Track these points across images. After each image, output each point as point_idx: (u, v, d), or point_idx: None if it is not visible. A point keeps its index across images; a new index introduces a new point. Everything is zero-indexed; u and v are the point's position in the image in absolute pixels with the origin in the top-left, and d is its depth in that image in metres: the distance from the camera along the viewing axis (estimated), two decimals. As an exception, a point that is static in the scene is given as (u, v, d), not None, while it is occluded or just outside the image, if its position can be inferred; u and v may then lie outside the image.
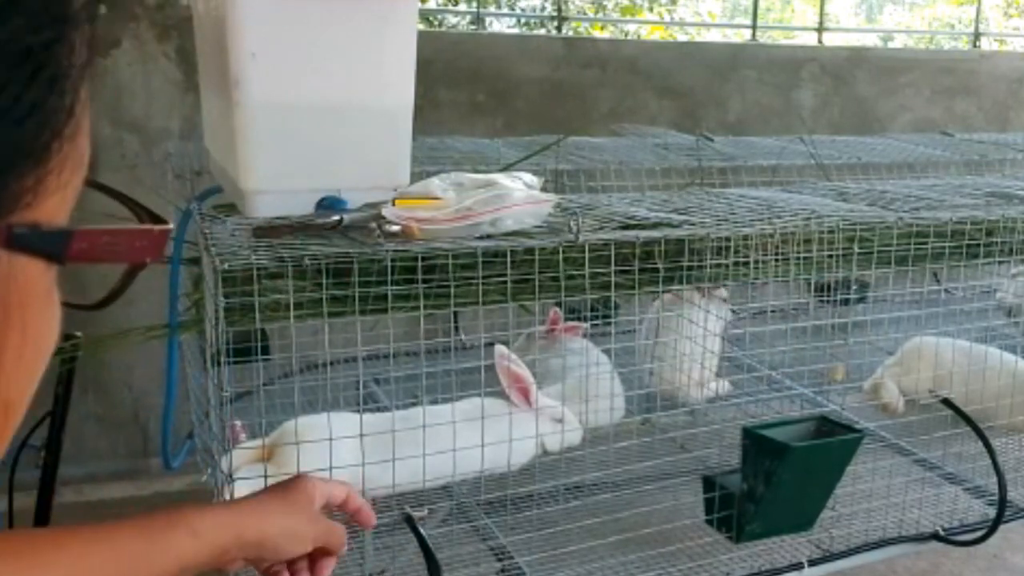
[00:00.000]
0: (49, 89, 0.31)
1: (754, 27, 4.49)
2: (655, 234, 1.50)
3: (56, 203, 0.34)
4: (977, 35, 5.09)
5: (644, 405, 2.06)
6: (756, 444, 1.65)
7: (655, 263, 1.50)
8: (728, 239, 1.55)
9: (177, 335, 1.82)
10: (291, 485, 0.89)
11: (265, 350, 1.73)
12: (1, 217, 0.32)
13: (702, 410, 2.09)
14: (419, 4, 3.98)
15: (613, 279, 1.47)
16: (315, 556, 0.89)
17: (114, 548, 0.74)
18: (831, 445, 1.68)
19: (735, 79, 4.11)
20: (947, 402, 2.00)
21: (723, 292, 2.08)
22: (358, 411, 1.70)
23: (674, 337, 2.04)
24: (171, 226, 0.43)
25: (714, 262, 1.54)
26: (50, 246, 0.34)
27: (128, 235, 0.40)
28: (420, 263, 1.35)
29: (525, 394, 1.72)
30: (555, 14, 4.49)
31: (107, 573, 0.73)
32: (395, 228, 1.35)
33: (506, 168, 2.22)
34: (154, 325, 1.85)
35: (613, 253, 1.45)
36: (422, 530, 1.52)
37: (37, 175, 0.32)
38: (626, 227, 1.52)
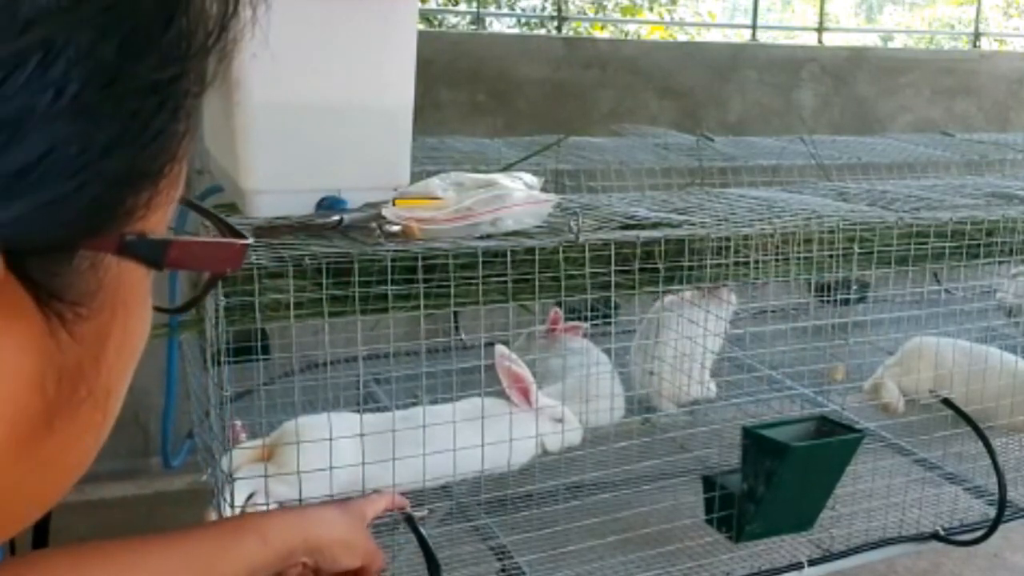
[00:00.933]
0: (171, 118, 0.36)
1: (754, 27, 4.49)
2: (655, 234, 1.50)
3: (160, 217, 0.39)
4: (977, 35, 5.10)
5: (644, 404, 2.06)
6: (756, 444, 1.65)
7: (655, 263, 1.50)
8: (728, 239, 1.55)
9: (177, 335, 1.82)
10: (346, 503, 0.96)
11: (265, 350, 1.73)
12: (116, 229, 0.36)
13: (702, 410, 2.09)
14: (419, 4, 3.98)
15: (613, 279, 1.47)
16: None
17: (189, 556, 0.78)
18: (831, 445, 1.68)
19: (735, 79, 4.11)
20: (947, 402, 2.00)
21: (725, 292, 2.08)
22: (358, 411, 1.70)
23: (656, 341, 2.05)
24: (251, 240, 0.48)
25: (714, 262, 1.55)
26: (152, 254, 0.39)
27: (214, 247, 0.46)
28: (420, 263, 1.35)
29: (525, 394, 1.72)
30: (555, 14, 4.49)
31: None
32: (395, 228, 1.35)
33: (506, 168, 2.22)
34: (154, 325, 1.84)
35: (613, 253, 1.45)
36: (422, 530, 1.52)
37: (150, 193, 0.37)
38: (626, 227, 1.52)
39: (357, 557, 0.90)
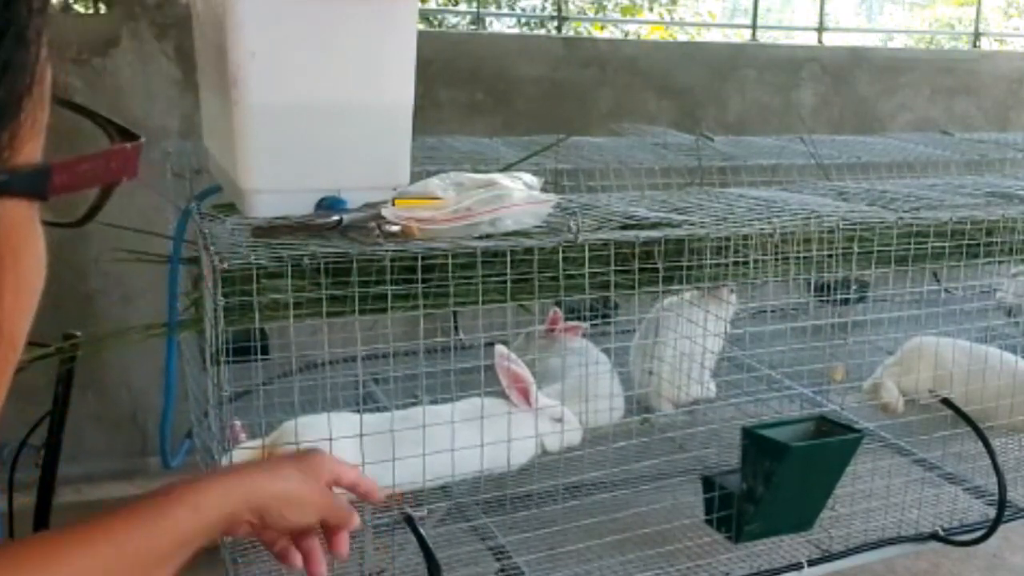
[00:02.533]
0: (15, 46, 0.32)
1: (754, 27, 4.49)
2: (655, 234, 1.50)
3: (33, 148, 0.35)
4: (977, 35, 5.09)
5: (643, 404, 2.06)
6: (756, 444, 1.65)
7: (655, 263, 1.50)
8: (728, 239, 1.55)
9: (176, 334, 1.81)
10: (304, 455, 0.89)
11: (264, 350, 1.73)
12: None
13: (701, 410, 2.09)
14: (419, 4, 3.98)
15: (612, 279, 1.47)
16: (328, 532, 0.88)
17: (117, 545, 0.72)
18: (831, 445, 1.68)
19: (735, 79, 4.11)
20: (947, 402, 2.00)
21: (725, 292, 2.08)
22: (357, 411, 1.69)
23: (656, 341, 2.05)
24: (143, 140, 0.43)
25: (714, 262, 1.54)
26: (31, 186, 0.35)
27: (104, 158, 0.41)
28: (419, 263, 1.34)
29: (525, 394, 1.72)
30: (555, 14, 4.49)
31: (114, 571, 0.72)
32: (395, 228, 1.35)
33: (506, 168, 2.22)
34: (153, 324, 1.85)
35: (612, 253, 1.45)
36: (422, 530, 1.52)
37: (12, 130, 0.33)
38: (625, 227, 1.52)
39: (309, 513, 0.85)
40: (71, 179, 0.37)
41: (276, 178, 1.46)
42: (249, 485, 0.80)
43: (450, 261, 1.35)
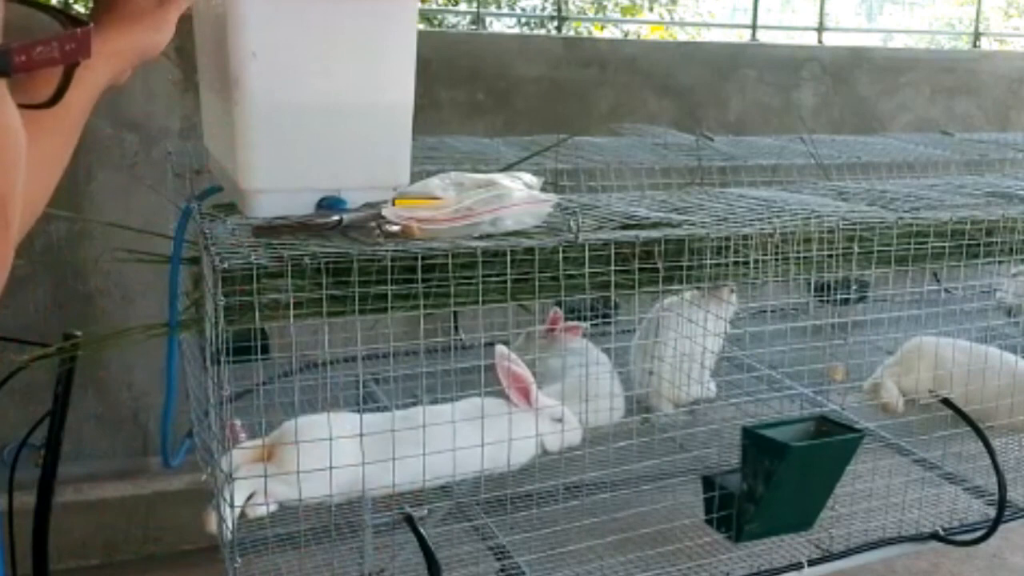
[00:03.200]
0: None
1: (754, 27, 4.49)
2: (655, 234, 1.50)
3: None
4: (977, 35, 5.09)
5: (644, 404, 2.06)
6: (756, 444, 1.65)
7: (655, 263, 1.50)
8: (728, 239, 1.55)
9: (177, 334, 1.81)
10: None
11: (265, 349, 1.73)
12: None
13: (701, 410, 2.09)
14: (419, 4, 3.98)
15: (613, 279, 1.47)
16: None
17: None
18: (831, 445, 1.68)
19: (735, 79, 4.11)
20: (947, 402, 2.00)
21: (725, 292, 2.08)
22: (358, 411, 1.69)
23: (656, 341, 2.05)
24: (91, 24, 0.49)
25: (714, 262, 1.54)
26: None
27: (58, 41, 0.47)
28: (419, 263, 1.35)
29: (525, 394, 1.72)
30: (555, 14, 4.49)
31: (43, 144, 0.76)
32: (395, 228, 1.35)
33: (507, 168, 2.22)
34: (154, 324, 1.84)
35: (613, 253, 1.45)
36: (422, 530, 1.52)
37: None
38: (626, 227, 1.52)
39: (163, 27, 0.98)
40: (30, 60, 0.43)
41: (276, 178, 1.46)
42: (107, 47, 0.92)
43: (450, 261, 1.35)
